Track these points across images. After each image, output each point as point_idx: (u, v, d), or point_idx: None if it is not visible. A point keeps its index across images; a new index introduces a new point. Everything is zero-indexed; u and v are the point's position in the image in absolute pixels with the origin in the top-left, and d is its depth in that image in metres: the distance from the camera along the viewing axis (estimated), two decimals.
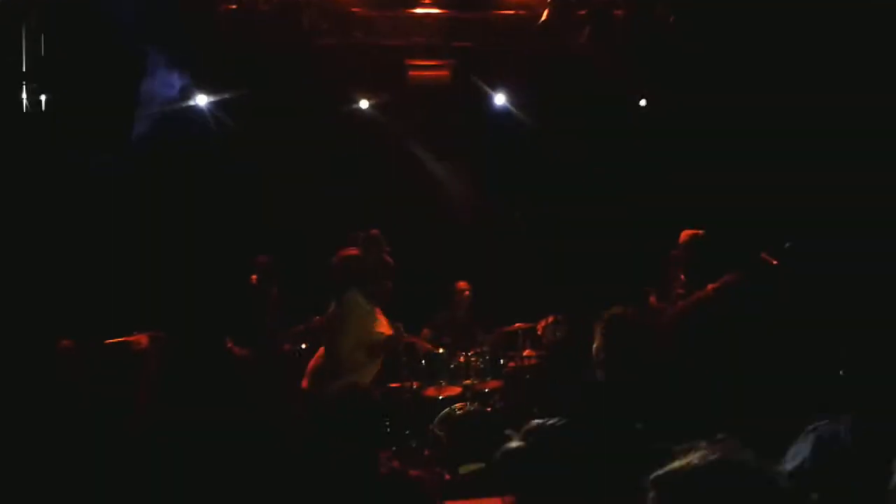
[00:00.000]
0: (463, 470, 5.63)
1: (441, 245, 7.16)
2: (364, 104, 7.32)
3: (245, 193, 7.02)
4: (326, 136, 7.30)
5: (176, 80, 6.56)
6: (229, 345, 6.09)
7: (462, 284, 6.85)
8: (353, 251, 4.88)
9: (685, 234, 5.10)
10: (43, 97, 5.76)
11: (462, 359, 6.50)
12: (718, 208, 6.10)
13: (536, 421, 2.44)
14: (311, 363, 5.09)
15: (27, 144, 5.75)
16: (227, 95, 7.00)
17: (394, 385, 6.14)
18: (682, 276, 4.96)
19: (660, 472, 1.67)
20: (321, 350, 5.05)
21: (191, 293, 6.43)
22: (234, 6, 6.43)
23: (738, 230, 5.53)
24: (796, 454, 2.05)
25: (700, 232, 5.02)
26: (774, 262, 4.97)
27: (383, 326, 4.92)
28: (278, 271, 6.43)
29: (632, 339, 3.01)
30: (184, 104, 6.91)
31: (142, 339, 5.55)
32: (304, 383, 5.06)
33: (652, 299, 5.21)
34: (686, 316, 4.85)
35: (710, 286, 4.86)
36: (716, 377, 4.22)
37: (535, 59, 6.87)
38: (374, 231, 5.52)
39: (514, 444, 2.43)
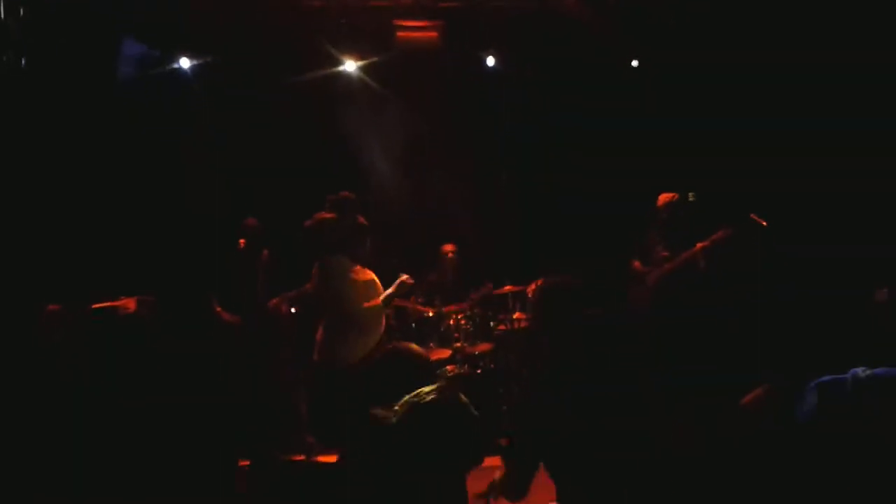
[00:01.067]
0: None
1: (429, 208, 7.12)
2: (351, 66, 7.22)
3: (231, 156, 6.96)
4: (312, 98, 7.23)
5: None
6: (217, 309, 6.08)
7: (448, 246, 6.83)
8: (328, 215, 4.86)
9: (663, 198, 5.09)
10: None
11: (452, 321, 6.52)
12: (709, 170, 6.05)
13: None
14: (318, 336, 5.08)
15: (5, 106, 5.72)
16: (211, 58, 6.91)
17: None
18: (663, 239, 4.96)
19: None
20: (322, 321, 5.06)
21: (178, 257, 6.43)
22: None
23: (724, 193, 5.48)
24: (805, 406, 2.09)
25: (677, 195, 5.01)
26: (764, 224, 4.93)
27: (377, 284, 4.97)
28: (267, 234, 6.40)
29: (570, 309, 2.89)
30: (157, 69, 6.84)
31: (129, 303, 5.57)
32: (315, 357, 5.07)
33: (636, 263, 5.20)
34: (673, 276, 4.86)
35: (698, 244, 4.85)
36: (704, 335, 4.23)
37: (524, 20, 6.76)
38: (346, 193, 5.51)
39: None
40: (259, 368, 5.82)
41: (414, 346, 3.03)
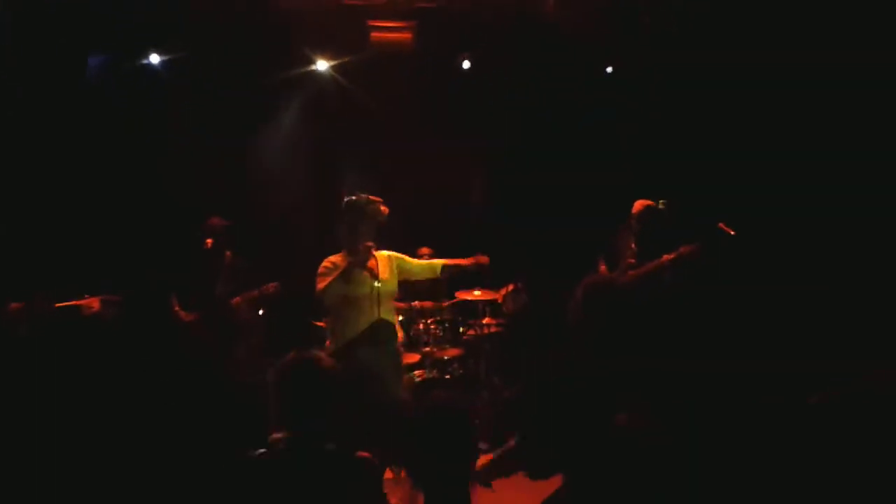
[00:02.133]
0: None
1: (403, 210, 7.08)
2: (323, 66, 7.17)
3: (201, 155, 6.89)
4: (285, 98, 7.18)
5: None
6: (175, 308, 6.02)
7: (424, 250, 6.78)
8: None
9: (638, 204, 5.05)
10: None
11: (421, 326, 6.48)
12: (680, 177, 6.05)
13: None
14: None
15: None
16: (182, 55, 6.83)
17: None
18: (633, 246, 4.92)
19: None
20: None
21: (139, 256, 6.37)
22: None
23: (695, 200, 5.48)
24: None
25: (652, 202, 4.98)
26: (732, 233, 4.91)
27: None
28: (232, 235, 6.33)
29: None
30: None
31: (93, 302, 5.50)
32: None
33: (602, 268, 5.17)
34: (638, 285, 4.83)
35: (665, 256, 4.83)
36: (665, 347, 4.20)
37: (500, 22, 6.73)
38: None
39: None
40: (215, 366, 5.75)
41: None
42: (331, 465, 2.48)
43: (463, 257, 4.96)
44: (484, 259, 4.84)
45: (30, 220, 6.18)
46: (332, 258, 4.65)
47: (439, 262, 4.92)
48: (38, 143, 6.13)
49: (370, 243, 4.59)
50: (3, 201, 6.00)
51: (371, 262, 4.66)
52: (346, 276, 4.49)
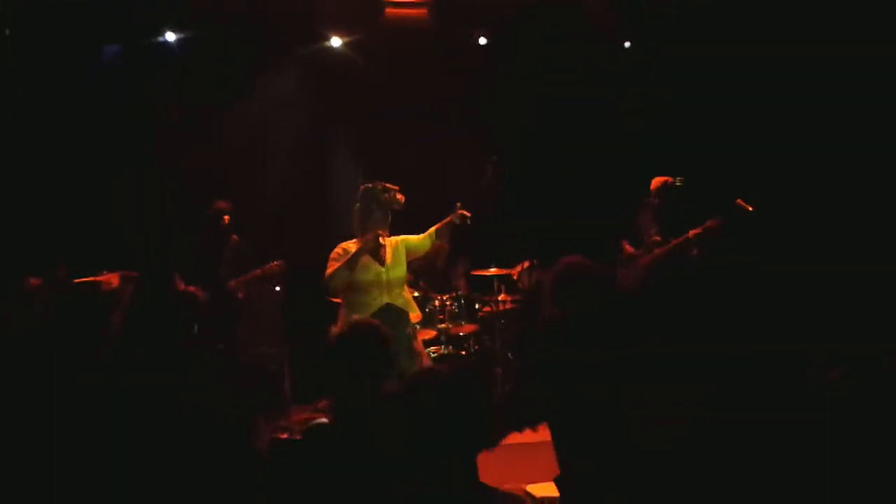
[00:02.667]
0: None
1: (419, 189, 7.08)
2: (336, 42, 7.10)
3: (211, 135, 6.87)
4: (298, 77, 7.14)
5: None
6: (179, 284, 6.02)
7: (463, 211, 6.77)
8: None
9: (656, 181, 5.09)
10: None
11: (437, 302, 6.51)
12: (698, 154, 6.07)
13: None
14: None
15: None
16: (196, 33, 6.77)
17: None
18: (655, 224, 4.96)
19: None
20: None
21: (147, 236, 6.39)
22: None
23: (713, 177, 5.50)
24: None
25: (671, 179, 5.01)
26: (750, 209, 4.94)
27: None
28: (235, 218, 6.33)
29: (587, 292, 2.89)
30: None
31: (112, 278, 5.49)
32: None
33: (626, 245, 5.20)
34: (665, 261, 4.86)
35: (690, 231, 4.86)
36: (695, 320, 4.24)
37: None
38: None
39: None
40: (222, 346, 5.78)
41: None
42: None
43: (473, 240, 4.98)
44: (464, 211, 4.77)
45: (46, 200, 6.20)
46: (345, 244, 4.73)
47: (431, 229, 4.90)
48: (50, 134, 6.15)
49: (380, 231, 4.67)
50: (19, 183, 6.02)
51: (381, 250, 4.72)
52: (351, 263, 4.59)
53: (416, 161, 6.95)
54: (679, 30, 6.55)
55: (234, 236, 6.24)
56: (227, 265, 6.24)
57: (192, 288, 5.89)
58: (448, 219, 4.76)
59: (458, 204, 4.74)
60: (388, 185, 4.76)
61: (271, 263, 6.11)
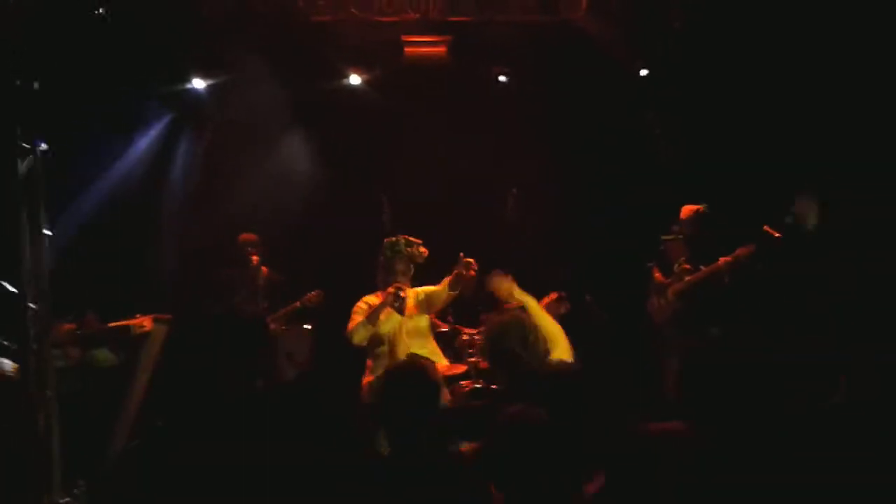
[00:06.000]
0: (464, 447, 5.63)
1: (443, 223, 7.12)
2: (356, 81, 7.20)
3: (238, 172, 6.97)
4: (320, 114, 7.23)
5: None
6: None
7: (468, 259, 6.79)
8: None
9: (687, 210, 5.09)
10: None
11: (466, 336, 6.48)
12: (719, 179, 6.08)
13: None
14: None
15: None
16: (222, 76, 6.90)
17: None
18: (685, 252, 4.96)
19: None
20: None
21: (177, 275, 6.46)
22: None
23: (738, 204, 5.50)
24: None
25: (702, 207, 5.02)
26: (777, 235, 4.94)
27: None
28: (264, 249, 6.39)
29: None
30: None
31: (145, 321, 5.56)
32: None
33: (656, 273, 5.21)
34: (697, 288, 4.86)
35: (721, 259, 4.86)
36: (734, 346, 4.22)
37: (534, 32, 6.77)
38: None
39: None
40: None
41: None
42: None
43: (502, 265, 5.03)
44: (468, 259, 4.88)
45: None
46: (367, 298, 4.91)
47: (445, 281, 4.99)
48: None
49: (400, 284, 4.80)
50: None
51: (402, 302, 4.85)
52: (373, 318, 4.76)
53: (435, 194, 7.02)
54: (696, 54, 6.60)
55: (265, 268, 6.30)
56: (261, 299, 6.29)
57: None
58: (455, 271, 4.85)
59: (462, 254, 4.83)
60: (411, 238, 4.92)
61: (309, 294, 6.13)
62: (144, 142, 6.96)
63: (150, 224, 6.97)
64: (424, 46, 6.94)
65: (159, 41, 6.27)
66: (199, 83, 6.93)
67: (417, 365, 2.85)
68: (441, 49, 6.93)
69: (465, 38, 6.83)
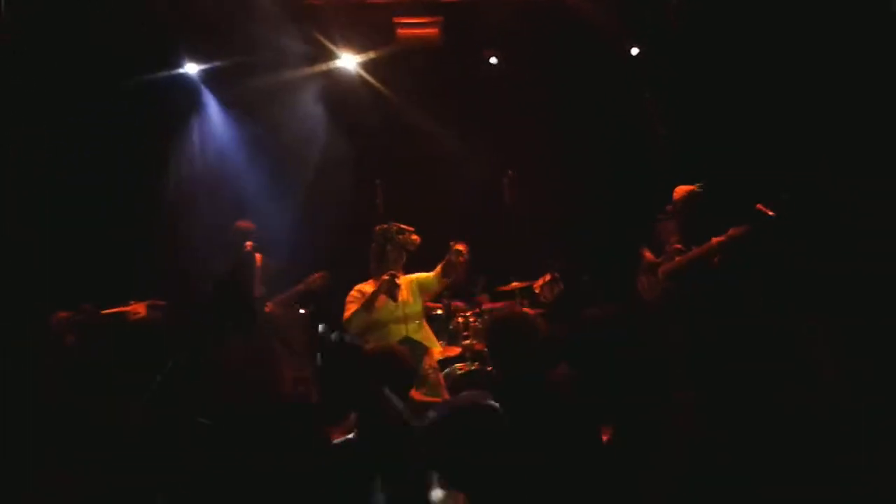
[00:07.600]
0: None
1: (435, 206, 7.11)
2: (351, 63, 7.17)
3: (235, 158, 6.95)
4: (316, 96, 7.21)
5: None
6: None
7: (459, 246, 6.79)
8: None
9: (680, 190, 5.06)
10: None
11: (461, 319, 6.50)
12: (711, 160, 6.05)
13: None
14: None
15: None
16: (215, 61, 6.87)
17: None
18: (677, 232, 4.94)
19: None
20: None
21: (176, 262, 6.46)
22: None
23: (730, 183, 5.47)
24: None
25: (695, 187, 4.99)
26: (771, 214, 4.90)
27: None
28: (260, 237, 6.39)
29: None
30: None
31: (139, 308, 5.56)
32: None
33: (646, 254, 5.19)
34: (688, 269, 4.85)
35: (713, 239, 4.83)
36: (723, 327, 4.22)
37: (526, 13, 6.73)
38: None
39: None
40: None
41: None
42: None
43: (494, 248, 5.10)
44: (459, 246, 4.99)
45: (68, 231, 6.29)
46: (361, 286, 5.00)
47: (437, 268, 5.10)
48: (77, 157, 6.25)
49: (394, 272, 4.92)
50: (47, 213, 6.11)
51: (396, 289, 4.94)
52: (368, 305, 4.86)
53: (430, 178, 7.00)
54: (690, 33, 6.56)
55: (260, 255, 6.28)
56: (258, 286, 6.28)
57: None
58: (446, 258, 4.96)
59: (452, 242, 4.93)
60: (402, 226, 5.02)
61: (313, 276, 6.10)
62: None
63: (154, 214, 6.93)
64: (417, 28, 6.90)
65: (150, 26, 6.22)
66: (191, 68, 6.87)
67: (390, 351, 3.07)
68: (434, 31, 6.90)
69: (456, 20, 6.78)
